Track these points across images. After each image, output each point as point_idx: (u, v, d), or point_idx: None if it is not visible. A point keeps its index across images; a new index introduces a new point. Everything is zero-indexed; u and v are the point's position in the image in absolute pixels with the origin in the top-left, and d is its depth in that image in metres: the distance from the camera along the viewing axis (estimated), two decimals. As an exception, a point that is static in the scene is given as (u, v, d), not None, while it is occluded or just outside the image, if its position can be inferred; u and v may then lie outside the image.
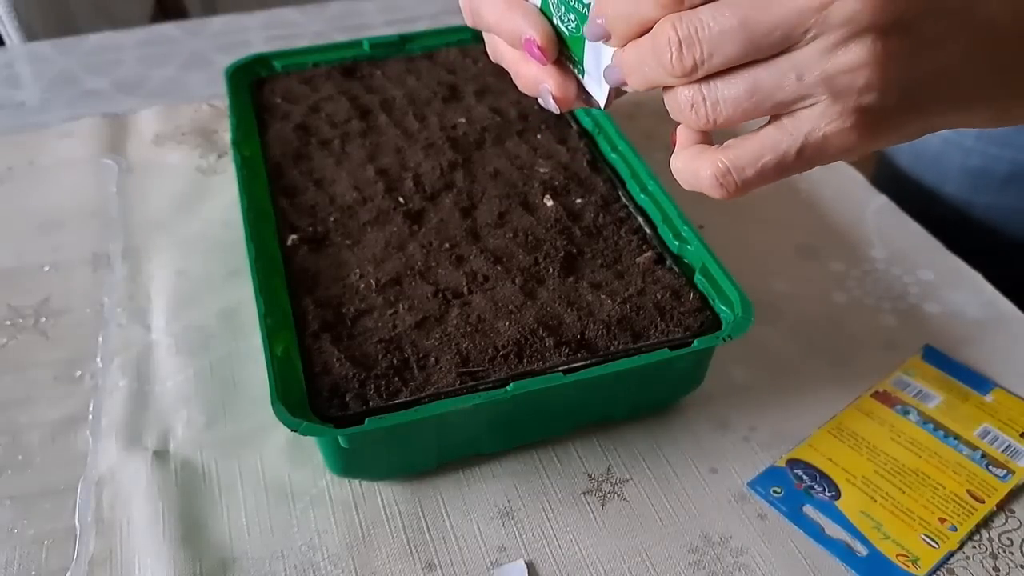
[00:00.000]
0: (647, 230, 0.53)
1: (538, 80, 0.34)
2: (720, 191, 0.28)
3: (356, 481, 0.47)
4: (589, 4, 0.31)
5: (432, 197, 0.56)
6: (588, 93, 0.35)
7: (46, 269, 0.60)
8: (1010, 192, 0.68)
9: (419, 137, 0.61)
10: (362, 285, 0.49)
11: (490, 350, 0.45)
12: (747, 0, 0.26)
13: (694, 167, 0.29)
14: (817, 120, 0.27)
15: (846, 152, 0.28)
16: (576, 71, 0.34)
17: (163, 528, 0.44)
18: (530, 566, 0.43)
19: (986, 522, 0.45)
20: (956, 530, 0.44)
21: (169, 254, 0.61)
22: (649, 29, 0.28)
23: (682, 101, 0.28)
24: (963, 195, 0.70)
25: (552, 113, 0.63)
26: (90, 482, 0.47)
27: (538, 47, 0.33)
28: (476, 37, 0.73)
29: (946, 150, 0.70)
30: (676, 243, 0.51)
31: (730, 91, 0.27)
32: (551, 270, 0.50)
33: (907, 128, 0.28)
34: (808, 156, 0.27)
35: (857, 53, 0.25)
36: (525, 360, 0.44)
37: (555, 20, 0.33)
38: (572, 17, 0.32)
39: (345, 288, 0.49)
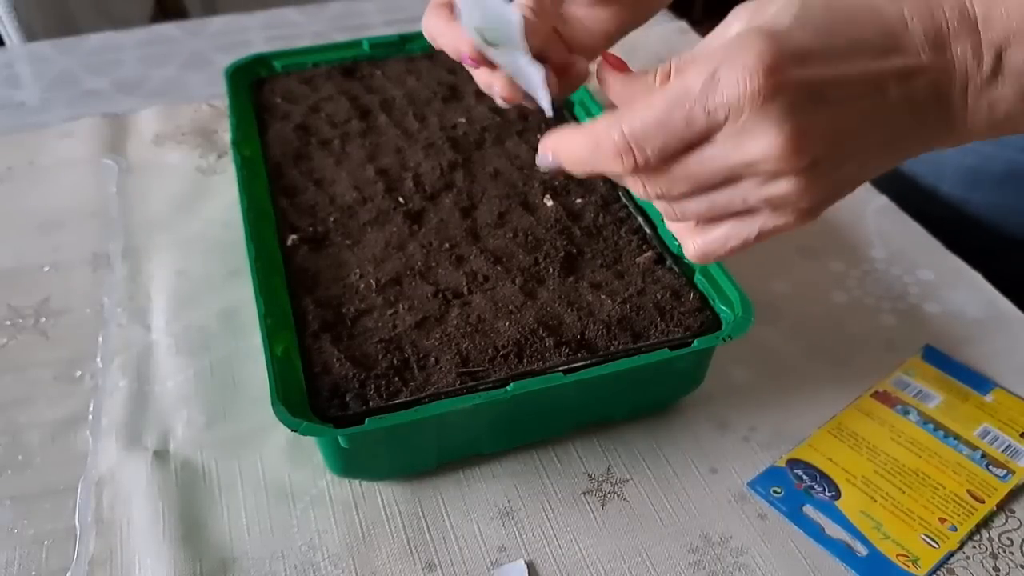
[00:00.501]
0: (647, 230, 0.53)
1: (488, 83, 0.42)
2: (700, 263, 0.38)
3: (356, 481, 0.47)
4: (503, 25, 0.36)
5: (432, 197, 0.56)
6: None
7: (46, 269, 0.60)
8: (1006, 190, 0.68)
9: (419, 137, 0.61)
10: (362, 285, 0.49)
11: (490, 350, 0.45)
12: (695, 163, 0.32)
13: (683, 242, 0.37)
14: (765, 220, 0.34)
15: (796, 228, 0.34)
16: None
17: (163, 528, 0.44)
18: (530, 566, 0.43)
19: (986, 522, 0.45)
20: (956, 530, 0.44)
21: (169, 254, 0.61)
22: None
23: (658, 207, 0.36)
24: (959, 193, 0.70)
25: (552, 114, 0.63)
26: (90, 482, 0.47)
27: (471, 59, 0.40)
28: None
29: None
30: (676, 243, 0.51)
31: (693, 207, 0.34)
32: (551, 270, 0.50)
33: (845, 195, 0.34)
34: (764, 237, 0.34)
35: (783, 186, 0.32)
36: (525, 360, 0.44)
37: (483, 38, 0.38)
38: (497, 38, 0.38)
39: (345, 288, 0.49)
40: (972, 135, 0.34)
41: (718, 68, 0.30)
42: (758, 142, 0.31)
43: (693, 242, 0.36)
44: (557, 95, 0.40)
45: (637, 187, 0.34)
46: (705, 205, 0.34)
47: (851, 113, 0.31)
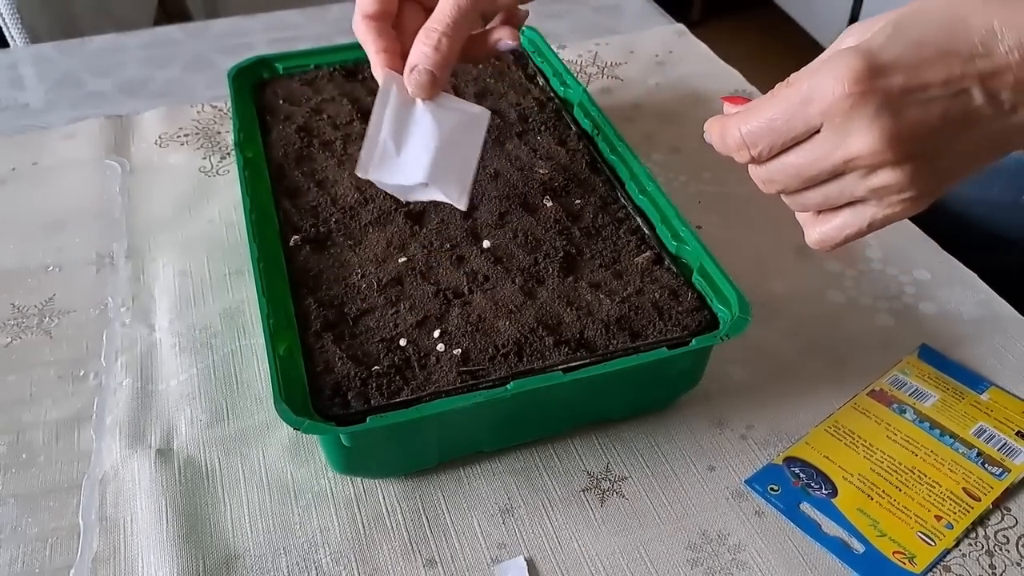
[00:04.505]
0: (646, 230, 0.53)
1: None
2: (822, 249, 0.41)
3: (358, 479, 0.47)
4: None
5: (433, 198, 0.56)
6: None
7: (50, 269, 0.60)
8: (993, 185, 0.68)
9: (420, 138, 0.62)
10: (364, 285, 0.50)
11: (490, 349, 0.45)
12: (802, 160, 0.37)
13: (806, 231, 0.42)
14: (875, 210, 0.38)
15: (907, 216, 0.38)
16: None
17: (166, 525, 0.45)
18: (530, 563, 0.43)
19: (982, 520, 0.45)
20: (952, 528, 0.45)
21: (172, 254, 0.61)
22: None
23: (785, 201, 0.41)
24: None
25: (552, 115, 0.64)
26: (94, 480, 0.47)
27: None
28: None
29: None
30: (674, 243, 0.51)
31: (810, 199, 0.39)
32: (551, 270, 0.50)
33: (952, 186, 0.38)
34: (876, 227, 0.39)
35: (883, 177, 0.36)
36: (525, 359, 0.45)
37: None
38: None
39: (347, 288, 0.49)
40: None
41: (816, 78, 0.36)
42: (854, 140, 0.35)
43: (814, 230, 0.41)
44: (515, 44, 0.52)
45: (760, 183, 0.40)
46: (820, 197, 0.39)
47: (936, 112, 0.35)
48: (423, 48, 0.48)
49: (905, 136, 0.35)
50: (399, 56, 0.50)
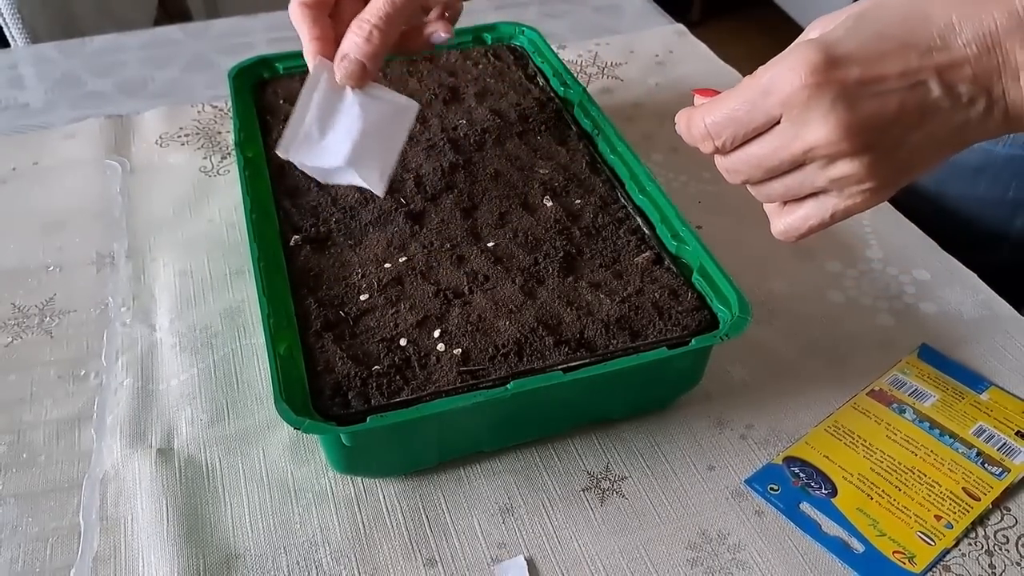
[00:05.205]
0: (645, 230, 0.53)
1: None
2: (787, 240, 0.42)
3: (358, 478, 0.47)
4: None
5: (433, 198, 0.56)
6: None
7: (50, 269, 0.60)
8: (980, 181, 0.68)
9: (420, 139, 0.62)
10: (364, 285, 0.50)
11: (490, 349, 0.45)
12: (763, 150, 0.38)
13: (772, 221, 0.42)
14: (836, 200, 0.39)
15: (868, 208, 0.39)
16: None
17: (167, 525, 0.45)
18: (530, 562, 0.43)
19: (982, 519, 0.45)
20: (952, 527, 0.45)
21: (173, 254, 0.61)
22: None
23: (751, 192, 0.42)
24: (935, 186, 0.71)
25: (552, 115, 0.64)
26: (94, 480, 0.47)
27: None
28: (476, 40, 0.74)
29: None
30: (674, 243, 0.52)
31: (773, 189, 0.40)
32: (551, 270, 0.50)
33: (912, 178, 0.38)
34: (838, 218, 0.39)
35: (842, 168, 0.37)
36: (525, 359, 0.45)
37: None
38: None
39: (347, 287, 0.50)
40: None
41: (774, 70, 0.37)
42: (811, 130, 0.36)
43: (779, 221, 0.41)
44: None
45: (725, 173, 0.41)
46: (782, 188, 0.39)
47: (892, 104, 0.36)
48: (355, 38, 0.50)
49: (861, 127, 0.36)
50: (332, 44, 0.51)
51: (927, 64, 0.35)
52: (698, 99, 0.42)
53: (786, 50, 0.38)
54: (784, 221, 0.41)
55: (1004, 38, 0.35)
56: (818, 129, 0.36)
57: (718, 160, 0.41)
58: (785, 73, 0.36)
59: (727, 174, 0.41)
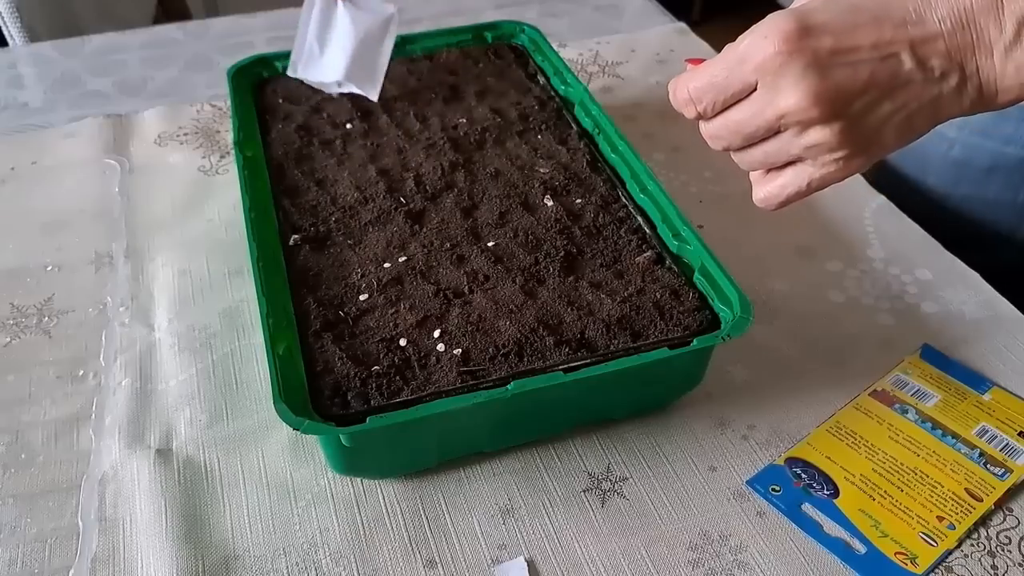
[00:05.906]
0: (646, 230, 0.53)
1: None
2: (767, 207, 0.43)
3: (357, 479, 0.47)
4: None
5: (433, 197, 0.56)
6: None
7: (49, 269, 0.60)
8: (991, 183, 0.68)
9: (420, 138, 0.61)
10: (363, 284, 0.49)
11: (491, 349, 0.45)
12: (742, 116, 0.39)
13: (754, 190, 0.43)
14: (812, 169, 0.40)
15: (844, 178, 0.40)
16: None
17: (166, 526, 0.44)
18: (530, 563, 0.43)
19: (984, 520, 0.45)
20: (954, 528, 0.44)
21: (172, 254, 0.61)
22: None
23: (735, 159, 0.42)
24: (944, 187, 0.71)
25: (553, 114, 0.64)
26: (93, 480, 0.47)
27: None
28: (476, 38, 0.74)
29: (929, 140, 0.70)
30: (675, 243, 0.51)
31: (755, 156, 0.41)
32: (551, 270, 0.50)
33: (886, 150, 0.39)
34: (815, 187, 0.40)
35: (815, 135, 0.38)
36: (525, 359, 0.45)
37: None
38: None
39: (347, 287, 0.49)
40: (1008, 97, 0.37)
41: (751, 38, 0.38)
42: (783, 96, 0.37)
43: (760, 189, 0.42)
44: None
45: (708, 139, 0.42)
46: (761, 155, 0.40)
47: (863, 74, 0.36)
48: None
49: (831, 95, 0.36)
50: None
51: (900, 37, 0.36)
52: (689, 68, 0.43)
53: (764, 19, 0.39)
54: (764, 189, 0.42)
55: (979, 15, 0.36)
56: (789, 96, 0.37)
57: (701, 126, 0.42)
58: (759, 41, 0.37)
59: (710, 140, 0.42)
